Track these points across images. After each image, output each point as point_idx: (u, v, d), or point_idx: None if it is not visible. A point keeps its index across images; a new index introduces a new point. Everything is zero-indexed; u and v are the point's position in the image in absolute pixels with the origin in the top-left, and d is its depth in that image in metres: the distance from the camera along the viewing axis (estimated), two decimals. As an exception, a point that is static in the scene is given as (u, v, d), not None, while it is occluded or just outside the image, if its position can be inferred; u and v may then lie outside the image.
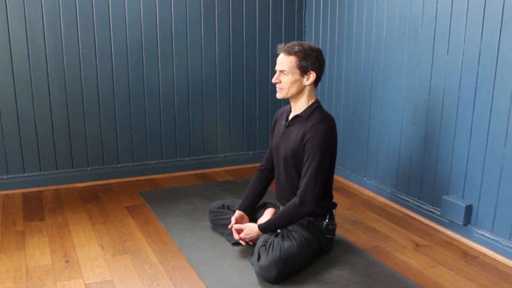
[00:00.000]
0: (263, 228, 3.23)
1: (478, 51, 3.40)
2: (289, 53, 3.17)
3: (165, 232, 3.74)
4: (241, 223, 3.44)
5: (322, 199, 3.31)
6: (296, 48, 3.16)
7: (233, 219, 3.46)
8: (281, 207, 3.41)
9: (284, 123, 3.38)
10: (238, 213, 3.51)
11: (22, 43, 4.32)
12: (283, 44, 3.24)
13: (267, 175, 3.64)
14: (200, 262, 3.28)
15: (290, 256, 3.04)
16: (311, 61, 3.16)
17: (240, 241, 3.35)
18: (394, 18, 4.08)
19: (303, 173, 3.19)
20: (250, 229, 3.29)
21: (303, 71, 3.17)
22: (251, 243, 3.34)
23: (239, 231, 3.35)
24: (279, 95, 3.27)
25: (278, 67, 3.22)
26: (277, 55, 3.25)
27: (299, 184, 3.21)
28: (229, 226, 3.43)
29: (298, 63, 3.15)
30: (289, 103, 3.38)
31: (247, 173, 5.14)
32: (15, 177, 4.54)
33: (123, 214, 4.09)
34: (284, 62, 3.18)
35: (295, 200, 3.18)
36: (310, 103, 3.27)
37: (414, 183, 4.07)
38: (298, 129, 3.25)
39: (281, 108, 3.55)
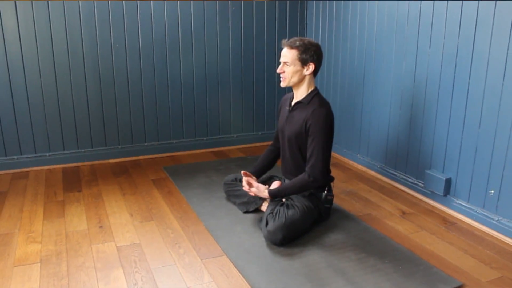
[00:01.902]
0: (273, 194, 3.23)
1: (456, 46, 3.37)
2: (291, 47, 3.15)
3: (185, 202, 3.73)
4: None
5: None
6: (297, 43, 3.14)
7: (244, 181, 3.40)
8: (286, 180, 3.41)
9: (287, 108, 3.36)
10: (248, 174, 3.49)
11: (62, 38, 4.31)
12: (286, 39, 3.21)
13: (277, 149, 3.62)
14: (216, 227, 3.28)
15: (294, 223, 3.04)
16: (310, 54, 3.14)
17: (248, 192, 3.36)
18: (384, 17, 4.03)
19: (309, 153, 3.17)
20: (261, 190, 3.29)
21: (303, 62, 3.15)
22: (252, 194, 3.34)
23: (250, 185, 3.34)
24: (282, 84, 3.25)
25: (282, 59, 3.20)
26: (282, 48, 3.22)
27: (306, 162, 3.20)
28: (244, 187, 3.39)
29: (299, 55, 3.13)
30: (292, 91, 3.36)
31: (256, 150, 5.12)
32: (56, 154, 4.54)
33: (149, 186, 4.08)
34: (287, 54, 3.16)
35: (305, 176, 3.16)
36: (309, 90, 3.25)
37: (401, 159, 4.04)
38: (300, 114, 3.23)
39: (285, 95, 3.53)
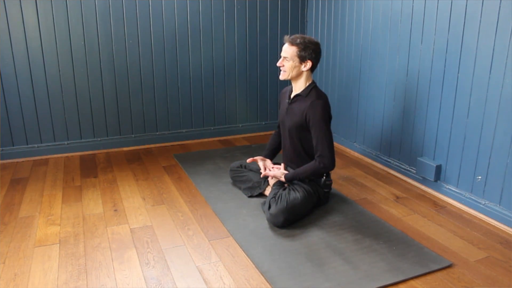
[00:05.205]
0: (288, 178, 3.22)
1: (446, 41, 3.34)
2: (292, 43, 3.13)
3: (194, 187, 3.72)
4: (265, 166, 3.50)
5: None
6: (298, 40, 3.12)
7: (261, 165, 3.47)
8: (288, 168, 3.39)
9: (287, 101, 3.34)
10: (262, 158, 3.54)
11: (79, 34, 4.28)
12: (288, 36, 3.20)
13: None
14: (222, 210, 3.27)
15: (295, 206, 3.03)
16: (309, 52, 3.12)
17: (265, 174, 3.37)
18: (378, 15, 4.00)
19: (314, 143, 3.15)
20: (278, 175, 3.28)
21: (302, 59, 3.14)
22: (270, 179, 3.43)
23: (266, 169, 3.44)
24: (281, 77, 3.23)
25: (282, 54, 3.18)
26: (284, 44, 3.20)
27: (314, 152, 3.17)
28: (262, 175, 3.42)
29: (298, 52, 3.12)
30: (290, 84, 3.34)
31: (260, 139, 5.10)
32: (74, 143, 4.53)
33: (160, 172, 4.07)
34: (288, 50, 3.14)
35: (316, 163, 3.15)
36: (307, 84, 3.23)
37: (395, 147, 4.02)
38: (299, 106, 3.22)
39: (283, 89, 3.51)
